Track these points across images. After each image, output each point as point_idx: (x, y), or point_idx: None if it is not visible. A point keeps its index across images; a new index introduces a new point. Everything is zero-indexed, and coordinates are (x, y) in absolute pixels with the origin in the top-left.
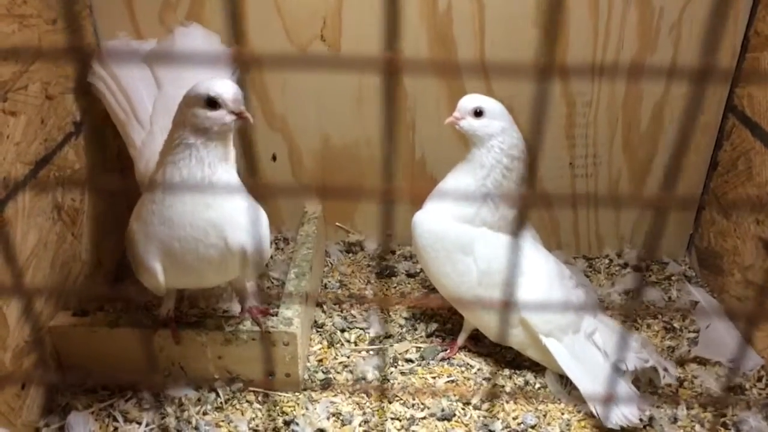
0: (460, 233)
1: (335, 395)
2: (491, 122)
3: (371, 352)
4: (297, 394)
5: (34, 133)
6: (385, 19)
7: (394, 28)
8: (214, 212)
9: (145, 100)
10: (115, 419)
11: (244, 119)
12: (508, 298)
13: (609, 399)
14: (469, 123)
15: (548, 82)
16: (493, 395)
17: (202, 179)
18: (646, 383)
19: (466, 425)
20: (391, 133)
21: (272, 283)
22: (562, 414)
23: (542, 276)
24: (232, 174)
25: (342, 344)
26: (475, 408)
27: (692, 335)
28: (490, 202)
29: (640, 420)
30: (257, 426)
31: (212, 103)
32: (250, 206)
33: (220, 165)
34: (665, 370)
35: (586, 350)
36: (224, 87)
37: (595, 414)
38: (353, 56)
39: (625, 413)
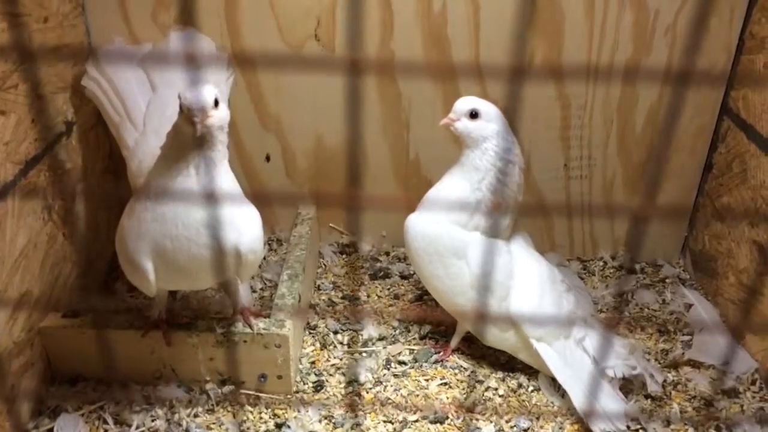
0: (454, 237)
1: (327, 398)
2: (486, 125)
3: (364, 354)
4: (289, 396)
5: (25, 132)
6: (348, 21)
7: (358, 28)
8: (207, 212)
9: (139, 102)
10: (105, 421)
11: (199, 127)
12: (490, 305)
13: (595, 405)
14: (464, 125)
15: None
16: (485, 399)
17: (197, 178)
18: (639, 386)
19: (459, 428)
20: (355, 138)
21: (265, 284)
22: (555, 417)
23: (533, 281)
24: (227, 174)
25: (335, 346)
26: (468, 411)
27: (686, 338)
28: (484, 207)
29: (627, 427)
30: (248, 428)
31: (182, 107)
32: (243, 206)
33: (215, 165)
34: (651, 376)
35: (575, 355)
36: (191, 94)
37: (584, 418)
38: (341, 57)
39: (611, 419)
